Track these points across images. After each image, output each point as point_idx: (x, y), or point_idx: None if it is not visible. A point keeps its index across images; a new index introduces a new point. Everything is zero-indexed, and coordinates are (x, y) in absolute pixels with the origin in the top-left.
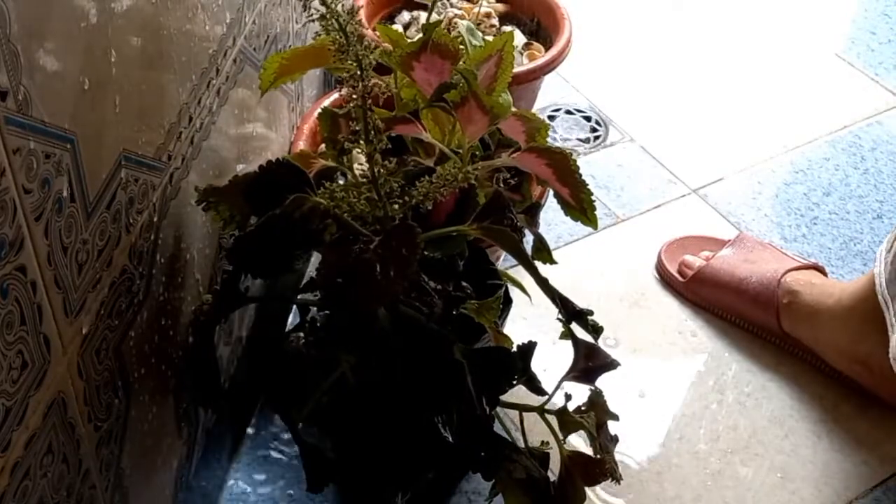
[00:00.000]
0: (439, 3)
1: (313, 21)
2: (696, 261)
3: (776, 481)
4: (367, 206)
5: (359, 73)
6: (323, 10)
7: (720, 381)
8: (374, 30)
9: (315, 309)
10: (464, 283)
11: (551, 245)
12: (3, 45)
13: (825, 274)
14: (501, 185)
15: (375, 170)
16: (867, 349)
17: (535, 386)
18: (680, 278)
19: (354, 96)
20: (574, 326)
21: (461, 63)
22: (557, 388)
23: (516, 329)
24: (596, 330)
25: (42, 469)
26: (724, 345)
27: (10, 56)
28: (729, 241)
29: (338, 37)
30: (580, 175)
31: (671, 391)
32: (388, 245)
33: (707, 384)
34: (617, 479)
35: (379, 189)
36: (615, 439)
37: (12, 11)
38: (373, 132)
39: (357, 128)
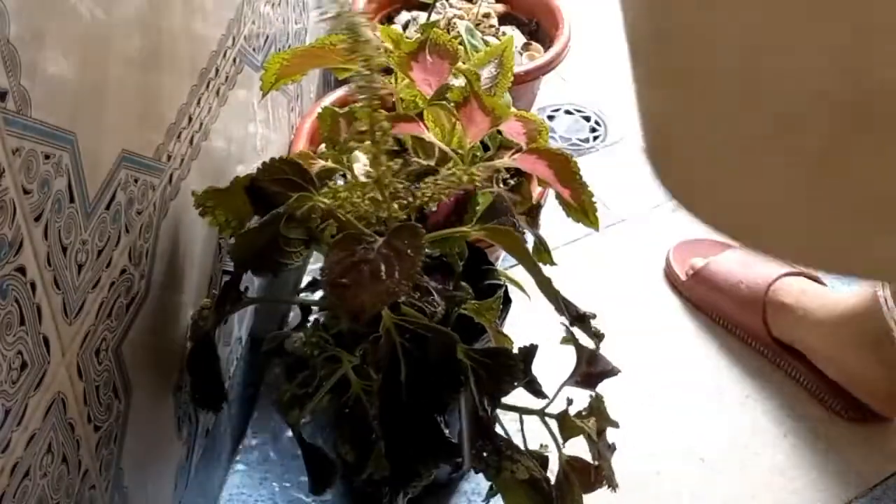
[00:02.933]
0: (439, 4)
1: (325, 20)
2: (701, 263)
3: (776, 481)
4: (370, 206)
5: (367, 73)
6: (336, 9)
7: (720, 380)
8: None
9: (317, 309)
10: (463, 284)
11: (551, 245)
12: (3, 45)
13: (820, 282)
14: (501, 185)
15: (380, 171)
16: (861, 365)
17: (535, 389)
18: (683, 278)
19: (361, 97)
20: (575, 330)
21: (462, 63)
22: (558, 392)
23: (516, 329)
24: (598, 336)
25: (42, 469)
26: (723, 344)
27: (9, 57)
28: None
29: (347, 37)
30: (581, 176)
31: (671, 391)
32: (392, 245)
33: (707, 384)
34: (613, 486)
35: (383, 190)
36: (613, 447)
37: (12, 12)
38: (379, 133)
39: (363, 128)
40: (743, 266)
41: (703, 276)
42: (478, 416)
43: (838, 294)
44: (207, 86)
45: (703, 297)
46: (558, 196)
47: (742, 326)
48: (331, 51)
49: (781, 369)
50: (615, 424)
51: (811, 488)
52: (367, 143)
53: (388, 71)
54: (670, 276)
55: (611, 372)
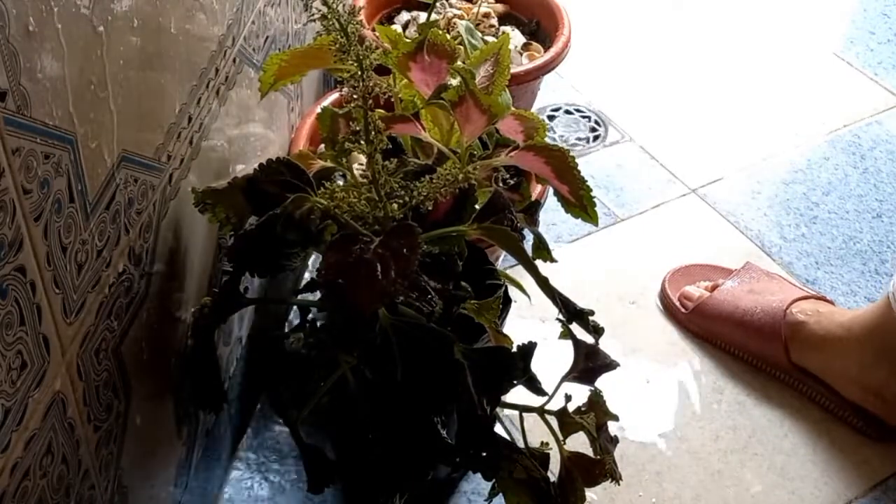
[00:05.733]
0: (438, 4)
1: (314, 21)
2: (695, 291)
3: (776, 481)
4: (367, 206)
5: (359, 73)
6: (324, 9)
7: (720, 380)
8: (373, 30)
9: (315, 309)
10: (463, 283)
11: (551, 245)
12: (3, 45)
13: (832, 304)
14: (500, 184)
15: (375, 170)
16: (881, 379)
17: (535, 386)
18: (682, 309)
19: (355, 96)
20: (574, 327)
21: (459, 63)
22: (557, 388)
23: (516, 329)
24: (597, 330)
25: (41, 469)
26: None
27: (9, 57)
28: (734, 271)
29: (339, 37)
30: (579, 172)
31: (671, 391)
32: (389, 245)
33: (707, 383)
34: (616, 479)
35: (379, 189)
36: (615, 440)
37: (12, 11)
38: (373, 132)
39: (357, 128)
40: (752, 293)
41: (709, 308)
42: (477, 415)
43: (854, 311)
44: (207, 86)
45: (711, 328)
46: (556, 192)
47: (759, 354)
48: (329, 51)
49: (804, 394)
50: (615, 418)
51: (811, 488)
52: (362, 143)
53: (387, 71)
54: (667, 305)
55: (610, 366)
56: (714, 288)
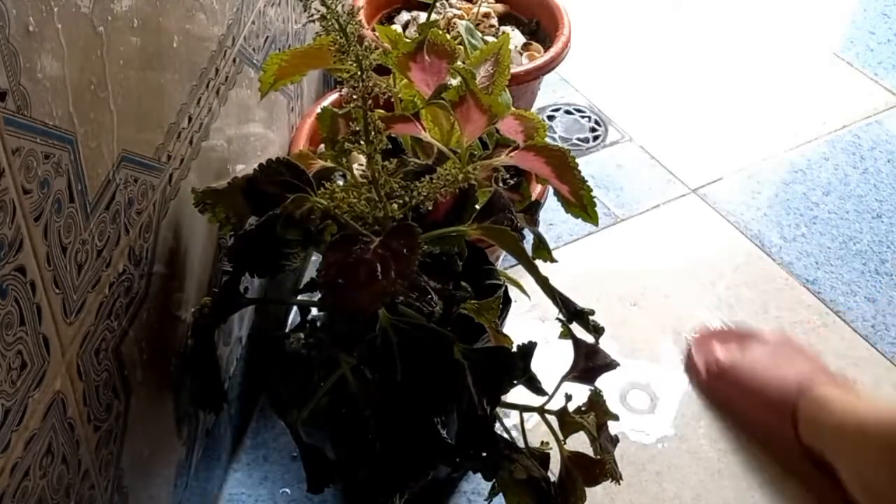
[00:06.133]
0: (438, 4)
1: (314, 21)
2: (721, 355)
3: (776, 481)
4: (367, 206)
5: (359, 73)
6: (323, 10)
7: None
8: (373, 30)
9: (315, 309)
10: (463, 283)
11: (551, 245)
12: (3, 45)
13: (851, 385)
14: (500, 184)
15: (375, 170)
16: (883, 481)
17: (535, 386)
18: (704, 374)
19: (354, 97)
20: (574, 326)
21: (460, 63)
22: (557, 388)
23: (516, 329)
24: (597, 330)
25: (41, 469)
26: None
27: (9, 57)
28: (762, 335)
29: (338, 37)
30: (579, 172)
31: (670, 391)
32: (389, 245)
33: None
34: (617, 479)
35: (379, 189)
36: (615, 440)
37: (12, 11)
38: (373, 132)
39: (357, 128)
40: (775, 366)
41: (727, 375)
42: (477, 415)
43: (873, 408)
44: (207, 86)
45: (726, 394)
46: (557, 192)
47: (768, 428)
48: (329, 51)
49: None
50: (615, 417)
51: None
52: (362, 143)
53: (387, 71)
54: (690, 368)
55: (610, 365)
56: (739, 353)
